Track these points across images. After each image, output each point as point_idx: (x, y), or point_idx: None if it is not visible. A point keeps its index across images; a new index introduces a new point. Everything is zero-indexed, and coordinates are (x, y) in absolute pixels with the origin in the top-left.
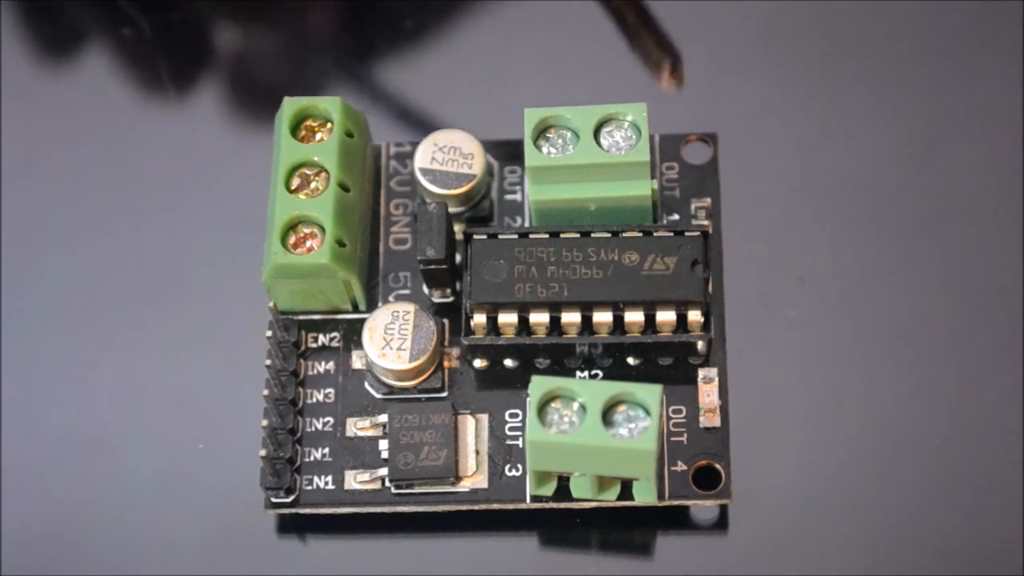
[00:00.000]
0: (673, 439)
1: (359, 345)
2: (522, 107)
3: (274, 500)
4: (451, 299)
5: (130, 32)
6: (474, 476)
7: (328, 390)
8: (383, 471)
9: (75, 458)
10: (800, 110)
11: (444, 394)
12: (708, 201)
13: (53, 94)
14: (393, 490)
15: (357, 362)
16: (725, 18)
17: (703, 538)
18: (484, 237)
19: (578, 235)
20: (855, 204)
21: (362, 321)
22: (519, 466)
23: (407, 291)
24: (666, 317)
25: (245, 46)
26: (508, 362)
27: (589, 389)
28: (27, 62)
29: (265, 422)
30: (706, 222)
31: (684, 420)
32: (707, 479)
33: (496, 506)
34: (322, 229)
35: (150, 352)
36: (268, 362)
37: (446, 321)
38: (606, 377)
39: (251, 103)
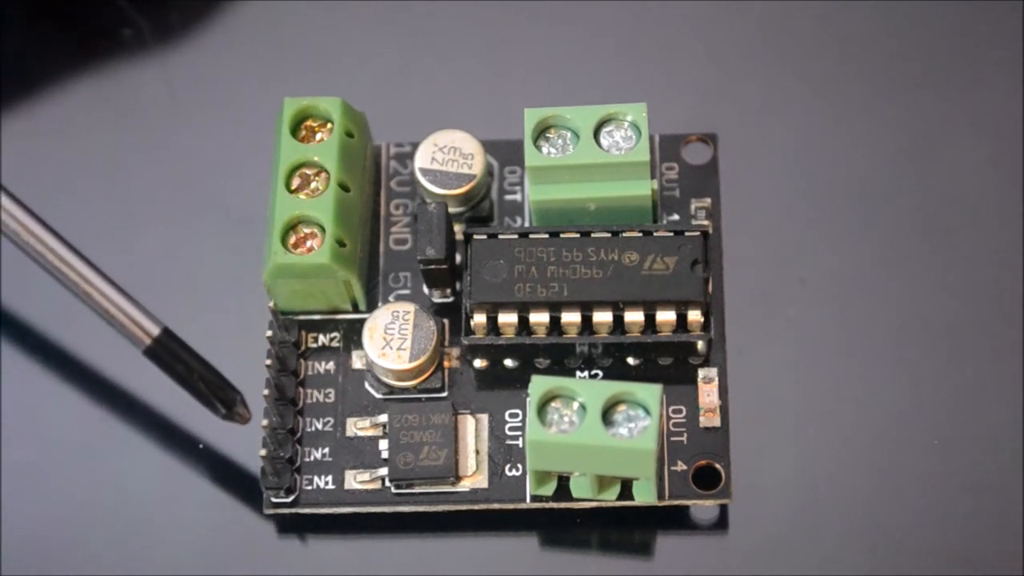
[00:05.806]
0: (673, 439)
1: (359, 345)
2: (522, 107)
3: (274, 500)
4: (451, 299)
5: (130, 32)
6: (474, 476)
7: (328, 390)
8: (383, 471)
9: (75, 458)
10: (800, 110)
11: (444, 394)
12: (708, 201)
13: (53, 94)
14: (393, 490)
15: (357, 362)
16: (725, 18)
17: (703, 538)
18: (484, 237)
19: (578, 235)
20: (855, 204)
21: (362, 321)
22: (519, 466)
23: (407, 291)
24: (666, 317)
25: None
26: (508, 362)
27: (589, 389)
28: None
29: (265, 422)
30: (706, 222)
31: (684, 420)
32: (707, 479)
33: (496, 506)
34: (322, 229)
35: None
36: (268, 362)
37: (446, 321)
38: (606, 377)
39: (251, 103)
